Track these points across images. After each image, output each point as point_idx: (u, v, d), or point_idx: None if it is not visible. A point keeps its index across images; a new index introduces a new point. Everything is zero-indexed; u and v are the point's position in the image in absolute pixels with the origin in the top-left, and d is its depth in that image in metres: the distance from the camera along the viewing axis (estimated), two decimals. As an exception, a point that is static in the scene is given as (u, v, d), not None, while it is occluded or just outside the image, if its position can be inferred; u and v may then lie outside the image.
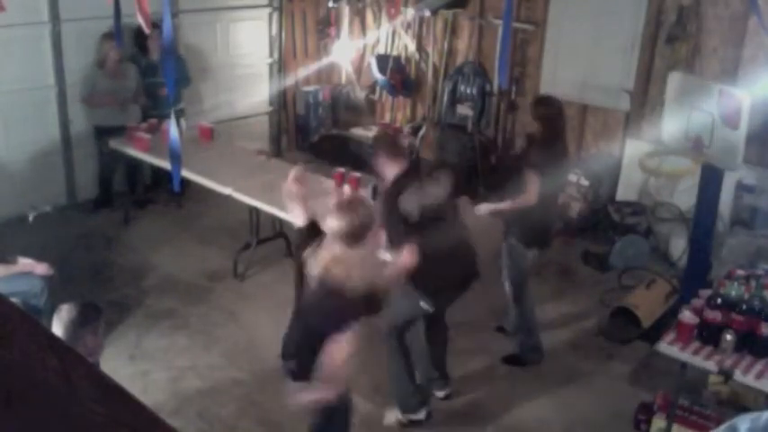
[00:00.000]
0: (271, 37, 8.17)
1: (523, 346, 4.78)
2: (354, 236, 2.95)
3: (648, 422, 4.05)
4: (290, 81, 8.43)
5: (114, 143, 6.27)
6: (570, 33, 6.87)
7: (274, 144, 8.52)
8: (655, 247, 6.21)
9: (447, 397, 4.44)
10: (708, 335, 3.57)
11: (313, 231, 3.26)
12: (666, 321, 4.48)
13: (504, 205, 4.53)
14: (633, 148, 6.51)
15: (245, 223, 5.86)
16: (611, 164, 6.66)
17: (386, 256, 4.01)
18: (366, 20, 8.51)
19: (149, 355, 4.75)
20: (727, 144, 4.54)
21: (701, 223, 4.97)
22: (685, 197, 5.99)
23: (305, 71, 8.53)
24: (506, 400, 4.46)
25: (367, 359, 3.94)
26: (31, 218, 5.86)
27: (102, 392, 0.86)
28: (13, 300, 2.65)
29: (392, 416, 4.28)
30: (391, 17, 8.16)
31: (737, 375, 3.42)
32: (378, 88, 8.46)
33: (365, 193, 5.28)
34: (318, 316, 3.01)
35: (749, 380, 3.42)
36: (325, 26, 8.62)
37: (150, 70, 6.53)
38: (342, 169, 5.62)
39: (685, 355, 3.56)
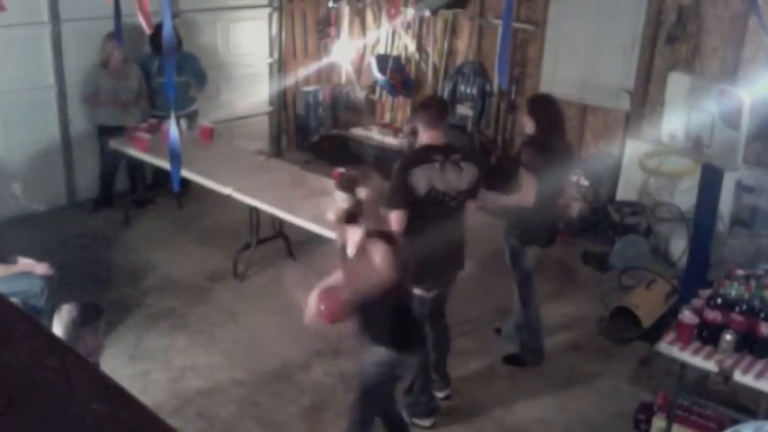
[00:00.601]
0: (271, 37, 8.17)
1: (524, 346, 4.78)
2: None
3: (648, 422, 4.05)
4: (290, 81, 8.43)
5: (115, 143, 6.27)
6: (570, 33, 6.87)
7: (274, 144, 8.52)
8: (655, 247, 6.21)
9: (447, 398, 4.43)
10: (708, 335, 3.57)
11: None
12: (666, 321, 4.48)
13: (502, 200, 4.50)
14: (633, 148, 6.51)
15: (245, 223, 5.86)
16: (611, 164, 6.66)
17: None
18: (366, 20, 8.51)
19: (149, 355, 4.75)
20: (727, 144, 4.54)
21: (701, 223, 4.97)
22: (685, 197, 5.99)
23: (305, 71, 8.54)
24: (506, 400, 4.46)
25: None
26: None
27: (102, 392, 0.86)
28: (13, 300, 2.65)
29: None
30: (391, 17, 8.16)
31: (737, 375, 3.42)
32: (378, 88, 8.46)
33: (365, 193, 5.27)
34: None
35: (749, 380, 3.41)
36: (326, 26, 8.62)
37: (163, 70, 6.50)
38: (342, 169, 5.61)
39: (685, 355, 3.56)
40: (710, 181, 4.84)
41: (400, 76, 8.08)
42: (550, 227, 4.77)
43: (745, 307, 3.54)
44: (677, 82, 5.70)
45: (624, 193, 6.61)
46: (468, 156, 4.17)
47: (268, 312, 5.26)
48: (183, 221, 6.72)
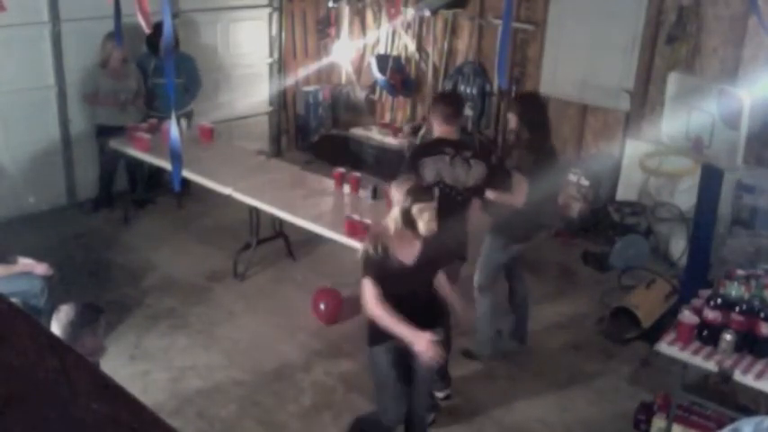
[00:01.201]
0: (271, 37, 8.17)
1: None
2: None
3: (648, 422, 4.05)
4: (290, 81, 8.43)
5: (115, 143, 6.27)
6: (570, 33, 6.87)
7: (274, 144, 8.52)
8: (655, 247, 6.21)
9: (447, 397, 4.44)
10: (708, 335, 3.58)
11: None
12: (666, 321, 4.48)
13: (496, 198, 4.49)
14: (633, 148, 6.51)
15: (245, 223, 5.86)
16: (611, 164, 6.66)
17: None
18: (366, 20, 8.51)
19: (149, 355, 4.75)
20: (727, 144, 4.54)
21: (701, 223, 4.97)
22: (685, 197, 5.99)
23: (305, 71, 8.53)
24: (506, 400, 4.46)
25: (366, 359, 3.94)
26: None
27: (102, 392, 0.86)
28: (13, 300, 2.65)
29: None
30: (391, 17, 8.16)
31: (737, 375, 3.42)
32: (378, 88, 8.46)
33: (364, 193, 5.28)
34: None
35: (749, 380, 3.42)
36: (326, 26, 8.62)
37: (160, 71, 6.51)
38: (342, 169, 5.62)
39: (685, 355, 3.56)
40: (710, 181, 4.84)
41: (400, 76, 8.08)
42: (532, 227, 4.73)
43: (745, 307, 3.54)
44: (677, 82, 5.70)
45: (624, 193, 6.61)
46: (478, 154, 4.19)
47: (268, 312, 5.26)
48: (182, 221, 6.72)
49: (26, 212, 6.37)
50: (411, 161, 4.09)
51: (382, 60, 8.08)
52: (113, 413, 0.84)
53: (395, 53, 8.24)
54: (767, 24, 4.76)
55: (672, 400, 3.80)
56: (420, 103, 8.24)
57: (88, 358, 2.50)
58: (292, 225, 5.33)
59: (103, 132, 6.48)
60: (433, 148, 4.14)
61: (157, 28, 5.19)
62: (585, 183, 6.48)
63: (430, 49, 8.01)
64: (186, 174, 5.38)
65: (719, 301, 3.59)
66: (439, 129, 4.17)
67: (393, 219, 3.39)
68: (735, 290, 3.62)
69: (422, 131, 7.86)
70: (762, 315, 3.49)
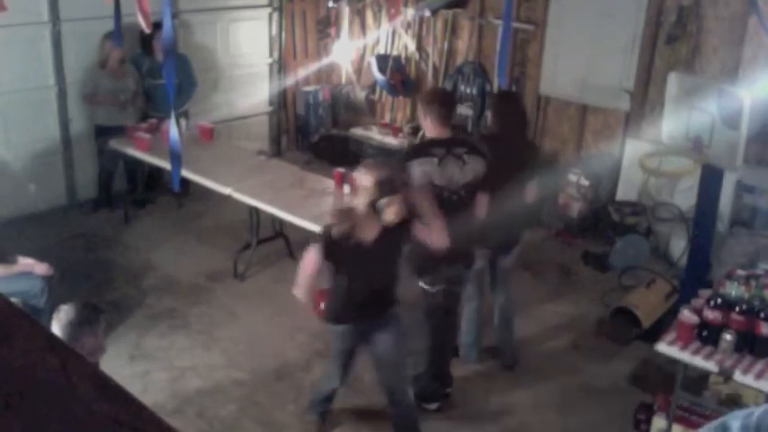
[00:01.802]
0: (271, 37, 8.17)
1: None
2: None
3: (648, 422, 4.05)
4: (290, 81, 8.43)
5: (114, 143, 6.27)
6: (570, 33, 6.87)
7: (274, 144, 8.52)
8: (655, 247, 6.21)
9: (447, 395, 4.44)
10: (708, 335, 3.57)
11: None
12: (666, 321, 4.48)
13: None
14: (633, 148, 6.51)
15: (245, 223, 5.86)
16: (611, 164, 6.66)
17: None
18: (366, 20, 8.51)
19: (149, 355, 4.75)
20: (727, 144, 4.54)
21: (701, 223, 4.97)
22: (685, 197, 5.99)
23: (305, 71, 8.53)
24: (506, 400, 4.46)
25: (366, 359, 3.95)
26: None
27: (102, 392, 0.86)
28: (13, 300, 2.65)
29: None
30: (391, 17, 8.17)
31: (737, 375, 3.42)
32: (378, 88, 8.46)
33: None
34: None
35: (749, 380, 3.42)
36: (326, 26, 8.62)
37: (153, 71, 6.52)
38: (342, 169, 5.62)
39: (685, 355, 3.56)
40: (710, 181, 4.84)
41: (400, 76, 8.08)
42: (504, 235, 4.49)
43: (745, 307, 3.54)
44: (677, 82, 5.69)
45: (624, 193, 6.61)
46: (474, 149, 4.10)
47: (268, 312, 5.26)
48: (182, 221, 6.72)
49: (26, 212, 6.37)
50: (400, 165, 4.02)
51: (382, 60, 8.08)
52: (113, 413, 0.84)
53: (395, 53, 8.24)
54: (767, 24, 4.76)
55: (672, 400, 3.80)
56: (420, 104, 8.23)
57: (88, 358, 2.50)
58: (292, 225, 5.33)
59: (102, 133, 6.48)
60: (421, 150, 4.07)
61: (156, 27, 5.20)
62: (585, 183, 6.48)
63: (430, 49, 8.01)
64: (186, 174, 5.38)
65: (719, 301, 3.59)
66: (431, 130, 4.07)
67: (359, 203, 3.49)
68: (735, 290, 3.62)
69: (422, 131, 7.87)
70: (762, 315, 3.49)
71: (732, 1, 5.87)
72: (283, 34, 8.25)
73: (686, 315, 3.64)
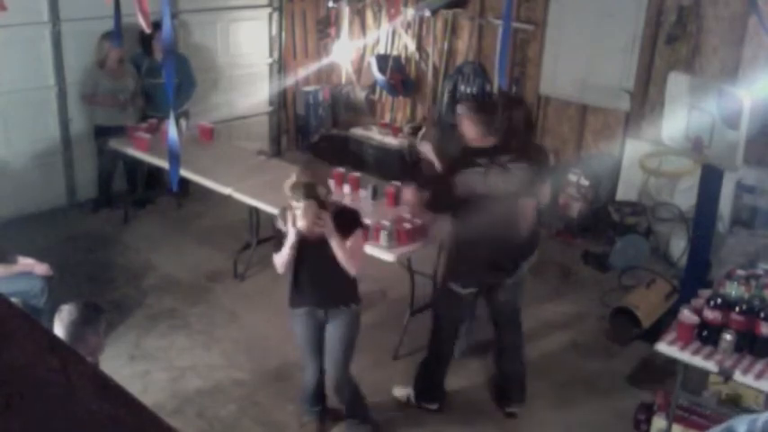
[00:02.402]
0: (271, 37, 8.17)
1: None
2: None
3: (648, 422, 4.05)
4: (290, 81, 8.43)
5: (114, 143, 6.27)
6: (570, 33, 6.87)
7: (274, 144, 8.52)
8: (655, 247, 6.21)
9: (440, 409, 4.44)
10: (708, 335, 3.57)
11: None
12: (666, 321, 4.48)
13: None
14: (633, 148, 6.51)
15: (245, 223, 5.86)
16: (611, 164, 6.66)
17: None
18: (366, 20, 8.51)
19: (149, 355, 4.75)
20: (727, 144, 4.53)
21: (701, 223, 4.97)
22: (685, 197, 5.99)
23: (305, 71, 8.53)
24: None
25: (367, 359, 3.95)
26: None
27: (102, 392, 0.86)
28: (13, 300, 2.65)
29: (404, 392, 4.39)
30: (391, 17, 8.16)
31: (737, 375, 3.42)
32: (378, 88, 8.46)
33: (364, 193, 5.28)
34: None
35: (749, 380, 3.41)
36: (326, 26, 8.62)
37: (153, 71, 6.52)
38: (342, 169, 5.61)
39: (685, 355, 3.56)
40: (710, 181, 4.84)
41: (400, 76, 8.08)
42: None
43: (745, 307, 3.54)
44: (677, 82, 5.69)
45: (624, 193, 6.61)
46: (520, 156, 4.01)
47: (268, 312, 5.25)
48: (182, 221, 6.72)
49: (26, 212, 6.37)
50: (443, 179, 4.02)
51: (382, 60, 8.08)
52: (113, 413, 0.84)
53: (395, 53, 8.23)
54: (767, 24, 4.76)
55: (672, 400, 3.80)
56: (420, 103, 8.24)
57: (88, 357, 2.49)
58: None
59: (102, 133, 6.48)
60: (466, 161, 3.96)
61: (156, 27, 5.20)
62: (585, 183, 6.48)
63: (430, 49, 8.00)
64: (186, 174, 5.38)
65: (719, 301, 3.59)
66: (474, 139, 4.00)
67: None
68: (735, 290, 3.62)
69: (422, 131, 7.87)
70: (762, 315, 3.49)
71: (732, 1, 5.87)
72: (283, 34, 8.25)
73: (686, 315, 3.63)
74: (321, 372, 3.96)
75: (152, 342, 4.89)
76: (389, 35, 8.30)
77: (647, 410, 4.11)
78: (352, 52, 8.66)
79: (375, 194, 5.23)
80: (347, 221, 3.70)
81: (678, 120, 5.01)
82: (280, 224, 3.76)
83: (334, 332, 3.83)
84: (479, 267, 4.06)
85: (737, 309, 3.54)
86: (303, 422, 4.13)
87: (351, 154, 7.90)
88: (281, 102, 8.50)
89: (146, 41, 6.54)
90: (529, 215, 4.14)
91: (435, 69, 8.00)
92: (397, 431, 4.23)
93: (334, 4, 8.46)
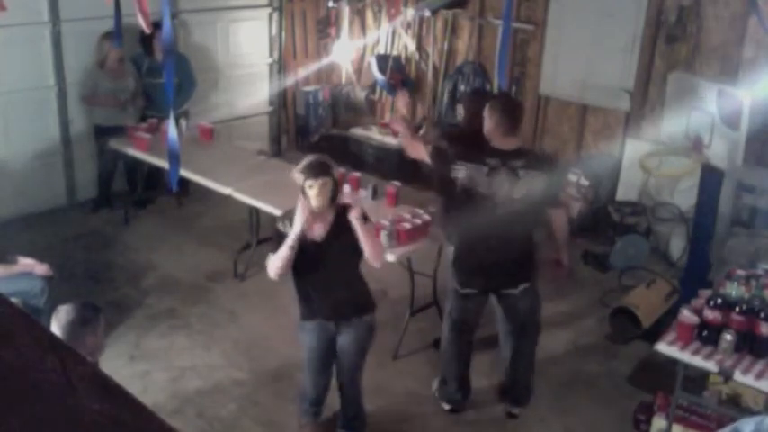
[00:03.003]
0: (271, 37, 8.17)
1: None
2: None
3: (648, 422, 4.05)
4: (290, 81, 8.43)
5: (114, 143, 6.27)
6: (570, 33, 6.87)
7: (274, 144, 8.52)
8: (655, 247, 6.21)
9: (453, 410, 4.43)
10: (708, 335, 3.57)
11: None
12: (666, 321, 4.48)
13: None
14: (633, 148, 6.51)
15: (245, 223, 5.86)
16: (611, 164, 6.66)
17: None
18: (366, 20, 8.52)
19: (149, 355, 4.75)
20: (727, 144, 4.54)
21: (701, 223, 4.97)
22: (685, 197, 5.99)
23: (305, 71, 8.53)
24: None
25: (367, 359, 3.94)
26: None
27: (102, 392, 0.86)
28: (13, 300, 2.65)
29: (435, 383, 4.45)
30: (391, 17, 8.17)
31: (737, 375, 3.42)
32: (378, 88, 8.46)
33: (364, 193, 5.28)
34: None
35: (749, 380, 3.41)
36: (326, 26, 8.62)
37: (153, 71, 6.52)
38: (342, 169, 5.61)
39: (685, 355, 3.56)
40: (710, 181, 4.84)
41: (400, 76, 8.08)
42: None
43: (745, 307, 3.54)
44: (677, 82, 5.70)
45: (624, 193, 6.61)
46: (536, 164, 3.90)
47: (268, 312, 5.25)
48: (182, 221, 6.72)
49: (26, 212, 6.37)
50: (446, 161, 3.93)
51: (382, 60, 8.08)
52: (113, 413, 0.84)
53: (395, 53, 8.24)
54: (767, 24, 4.76)
55: (672, 400, 3.80)
56: (420, 103, 8.24)
57: (88, 358, 2.49)
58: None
59: (102, 133, 6.48)
60: (473, 155, 3.87)
61: (156, 27, 5.20)
62: (585, 183, 6.48)
63: (430, 49, 8.01)
64: (186, 174, 5.38)
65: (719, 301, 3.59)
66: (494, 138, 3.88)
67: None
68: (735, 290, 3.62)
69: (422, 131, 7.87)
70: (762, 315, 3.49)
71: (732, 1, 5.87)
72: (283, 34, 8.26)
73: (686, 315, 3.63)
74: (326, 387, 3.86)
75: (152, 342, 4.89)
76: (389, 35, 8.30)
77: (647, 410, 4.11)
78: (352, 52, 8.66)
79: (375, 194, 5.23)
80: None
81: (678, 120, 5.03)
82: (281, 226, 3.60)
83: (347, 347, 3.69)
84: (474, 270, 4.06)
85: (737, 309, 3.54)
86: (301, 424, 4.10)
87: (351, 154, 7.90)
88: (281, 102, 8.50)
89: (146, 41, 6.54)
90: (560, 225, 4.06)
91: (435, 69, 8.00)
92: (395, 428, 4.23)
93: (334, 4, 8.46)
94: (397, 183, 5.23)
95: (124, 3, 4.69)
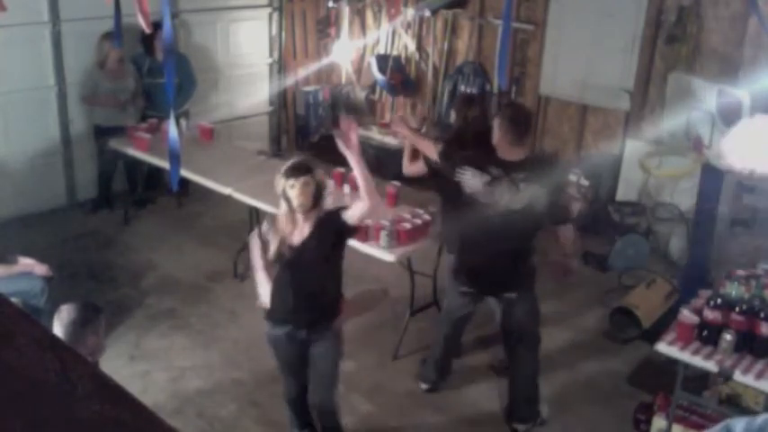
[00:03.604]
0: (271, 37, 8.17)
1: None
2: None
3: (648, 422, 4.05)
4: (290, 81, 8.43)
5: (114, 143, 6.27)
6: (570, 33, 6.87)
7: (274, 144, 8.52)
8: (655, 247, 6.21)
9: (430, 390, 4.49)
10: (708, 335, 3.57)
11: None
12: (666, 321, 4.48)
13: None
14: (633, 148, 6.51)
15: (245, 223, 5.85)
16: (611, 164, 6.66)
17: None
18: (366, 20, 8.52)
19: (149, 355, 4.75)
20: (727, 144, 4.54)
21: (701, 223, 4.97)
22: (685, 197, 5.99)
23: (305, 71, 8.53)
24: (506, 400, 4.45)
25: (367, 359, 3.95)
26: None
27: (102, 392, 0.86)
28: (13, 300, 2.65)
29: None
30: (391, 17, 8.17)
31: (737, 375, 3.42)
32: (378, 88, 8.46)
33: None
34: None
35: (749, 380, 3.41)
36: (326, 26, 8.62)
37: (154, 71, 6.52)
38: (342, 169, 5.61)
39: (685, 355, 3.56)
40: (710, 181, 4.84)
41: (400, 76, 8.08)
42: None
43: (745, 307, 3.54)
44: (677, 82, 5.70)
45: (624, 193, 6.61)
46: (538, 177, 3.83)
47: (268, 312, 5.25)
48: (182, 221, 6.72)
49: (26, 212, 6.37)
50: (455, 159, 3.95)
51: (382, 60, 8.08)
52: (113, 413, 0.84)
53: (395, 53, 8.24)
54: (767, 24, 4.76)
55: (672, 400, 3.80)
56: (420, 103, 8.24)
57: (89, 358, 2.49)
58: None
59: (101, 133, 6.48)
60: (480, 161, 3.86)
61: (156, 27, 5.20)
62: (585, 183, 6.47)
63: (430, 49, 8.01)
64: (186, 174, 5.38)
65: (719, 301, 3.59)
66: (500, 148, 3.86)
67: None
68: (735, 290, 3.62)
69: (422, 132, 7.86)
70: (762, 315, 3.49)
71: (732, 1, 5.87)
72: (283, 34, 8.26)
73: (686, 315, 3.64)
74: (305, 388, 3.74)
75: (152, 342, 4.89)
76: (389, 35, 8.30)
77: (647, 410, 4.10)
78: (352, 52, 8.66)
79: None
80: (339, 223, 3.47)
81: (678, 120, 5.03)
82: (266, 232, 3.56)
83: (319, 358, 3.59)
84: (467, 272, 4.11)
85: (737, 309, 3.54)
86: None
87: (351, 154, 7.89)
88: (281, 102, 8.50)
89: (147, 41, 6.54)
90: (566, 241, 4.05)
91: (435, 69, 8.00)
92: (395, 428, 4.22)
93: (334, 4, 8.46)
94: (397, 183, 5.23)
95: (124, 3, 4.68)
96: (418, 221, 4.64)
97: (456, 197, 3.96)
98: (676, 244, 6.03)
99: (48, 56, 6.42)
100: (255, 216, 5.69)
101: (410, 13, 8.01)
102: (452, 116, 4.69)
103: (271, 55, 8.22)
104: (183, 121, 6.23)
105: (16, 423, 0.79)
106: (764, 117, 4.45)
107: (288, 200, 3.42)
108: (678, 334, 3.63)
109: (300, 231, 3.48)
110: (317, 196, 3.46)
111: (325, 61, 8.67)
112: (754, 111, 4.52)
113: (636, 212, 6.31)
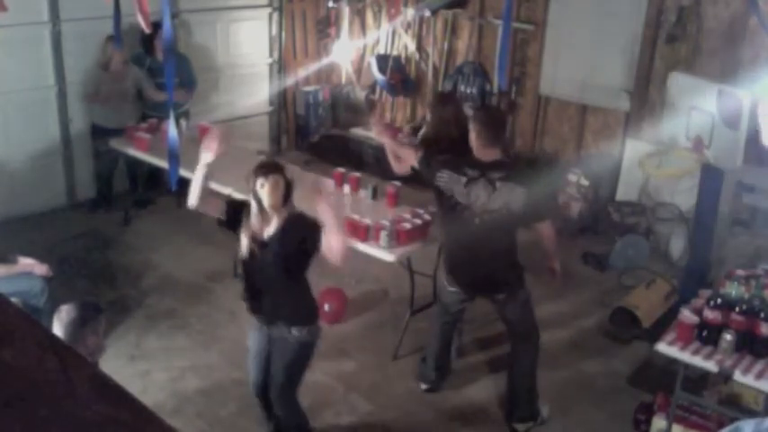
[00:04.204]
0: (271, 37, 8.17)
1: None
2: None
3: (648, 422, 4.05)
4: (290, 81, 8.43)
5: (114, 143, 6.27)
6: (570, 33, 6.87)
7: (274, 144, 8.52)
8: (655, 247, 6.21)
9: (429, 390, 4.49)
10: (708, 335, 3.57)
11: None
12: (666, 321, 4.48)
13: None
14: (633, 148, 6.51)
15: (245, 223, 5.84)
16: (611, 164, 6.66)
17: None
18: (366, 20, 8.52)
19: (149, 355, 4.75)
20: (728, 144, 4.54)
21: (701, 223, 4.97)
22: (685, 197, 5.99)
23: (305, 71, 8.53)
24: (506, 400, 4.45)
25: (367, 359, 3.95)
26: None
27: (102, 392, 0.86)
28: (13, 300, 2.65)
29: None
30: (391, 17, 8.17)
31: (737, 375, 3.42)
32: (378, 88, 8.46)
33: (364, 193, 5.28)
34: None
35: (749, 380, 3.42)
36: (326, 26, 8.62)
37: (154, 71, 6.52)
38: (342, 169, 5.61)
39: (685, 355, 3.56)
40: (710, 181, 4.84)
41: (400, 76, 8.08)
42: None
43: (745, 307, 3.54)
44: (677, 82, 5.70)
45: (624, 193, 6.61)
46: (514, 175, 3.86)
47: (268, 312, 5.25)
48: (182, 221, 6.70)
49: (26, 212, 6.37)
50: (433, 164, 3.99)
51: (382, 60, 8.08)
52: (113, 413, 0.84)
53: (395, 53, 8.24)
54: (767, 24, 4.76)
55: (672, 400, 3.80)
56: (420, 103, 8.24)
57: (89, 358, 2.49)
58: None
59: (99, 133, 6.48)
60: (455, 164, 3.92)
61: (156, 27, 5.21)
62: (585, 183, 6.48)
63: (430, 49, 8.01)
64: (186, 173, 5.36)
65: (719, 301, 3.59)
66: (475, 148, 3.91)
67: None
68: (735, 290, 3.62)
69: (422, 131, 7.86)
70: (762, 315, 3.49)
71: (732, 1, 5.87)
72: (283, 34, 8.26)
73: (686, 315, 3.64)
74: (265, 387, 3.74)
75: (152, 342, 4.89)
76: (389, 35, 8.30)
77: (647, 410, 4.11)
78: (352, 52, 8.66)
79: (375, 194, 5.23)
80: (306, 231, 3.44)
81: (678, 120, 5.03)
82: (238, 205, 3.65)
83: (276, 360, 3.60)
84: (454, 273, 4.15)
85: (737, 309, 3.54)
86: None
87: (351, 154, 7.90)
88: (281, 102, 8.50)
89: (147, 41, 6.54)
90: (547, 239, 4.07)
91: (435, 69, 8.00)
92: (395, 428, 4.22)
93: (334, 4, 8.46)
94: (397, 183, 5.23)
95: (124, 3, 4.69)
96: (418, 221, 4.64)
97: (441, 200, 4.04)
98: (676, 244, 6.03)
99: (47, 56, 6.42)
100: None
101: (410, 13, 8.01)
102: (427, 117, 4.68)
103: (271, 55, 8.22)
104: (182, 121, 6.23)
105: (16, 423, 0.79)
106: None
107: (258, 199, 3.48)
108: (678, 334, 3.63)
109: (270, 227, 3.53)
110: (287, 195, 3.50)
111: (325, 61, 8.67)
112: (755, 111, 4.52)
113: (636, 212, 6.31)
